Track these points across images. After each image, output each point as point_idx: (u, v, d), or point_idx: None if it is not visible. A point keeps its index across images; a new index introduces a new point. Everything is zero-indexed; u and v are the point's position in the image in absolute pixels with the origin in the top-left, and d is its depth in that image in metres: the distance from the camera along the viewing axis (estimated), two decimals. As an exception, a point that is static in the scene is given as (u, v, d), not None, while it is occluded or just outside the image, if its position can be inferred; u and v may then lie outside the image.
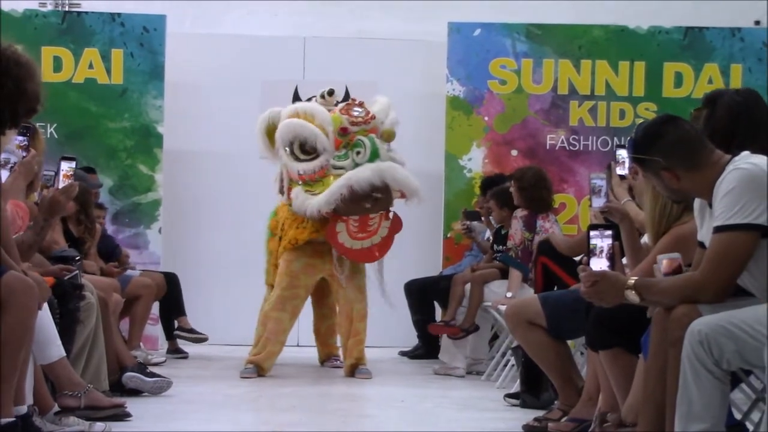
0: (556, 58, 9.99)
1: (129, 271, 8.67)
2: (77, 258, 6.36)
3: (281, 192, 8.25)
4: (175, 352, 9.21)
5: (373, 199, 7.89)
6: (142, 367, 6.87)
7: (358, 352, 8.10)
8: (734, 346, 3.87)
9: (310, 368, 8.63)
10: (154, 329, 9.46)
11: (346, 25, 10.66)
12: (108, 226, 9.42)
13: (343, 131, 7.94)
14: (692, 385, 3.89)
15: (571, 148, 10.01)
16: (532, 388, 6.68)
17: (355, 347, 8.09)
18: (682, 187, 4.21)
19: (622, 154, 5.73)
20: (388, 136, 8.11)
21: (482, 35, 10.00)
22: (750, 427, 4.62)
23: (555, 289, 7.07)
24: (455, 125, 9.98)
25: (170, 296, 9.13)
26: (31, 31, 9.69)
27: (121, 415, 5.70)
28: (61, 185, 5.34)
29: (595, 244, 4.27)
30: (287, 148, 7.94)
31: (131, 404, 5.91)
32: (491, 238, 8.82)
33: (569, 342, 6.04)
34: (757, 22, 10.53)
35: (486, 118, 9.99)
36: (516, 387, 6.91)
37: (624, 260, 5.20)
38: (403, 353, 9.62)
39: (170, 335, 9.27)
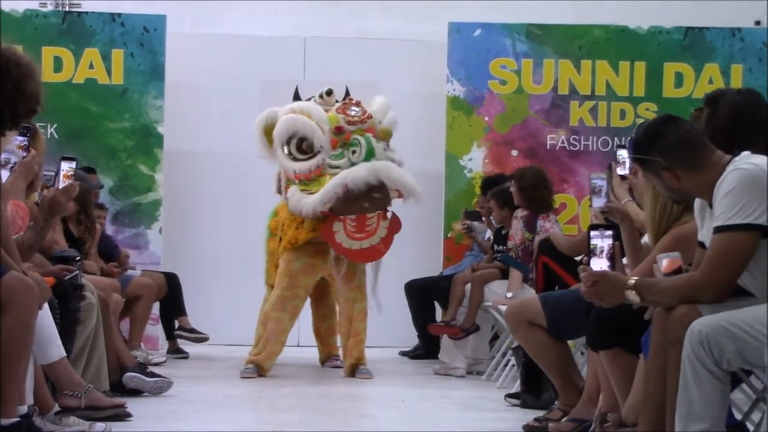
0: (557, 58, 9.99)
1: (129, 271, 8.67)
2: (78, 258, 6.36)
3: (279, 191, 8.25)
4: (175, 352, 9.21)
5: (371, 199, 7.88)
6: (142, 367, 6.87)
7: (358, 352, 8.09)
8: (734, 346, 3.87)
9: (310, 368, 8.63)
10: (155, 329, 9.46)
11: (346, 25, 10.66)
12: (108, 226, 9.42)
13: (338, 130, 7.94)
14: (692, 385, 3.89)
15: (571, 148, 10.01)
16: (533, 389, 6.68)
17: (356, 347, 8.09)
18: (682, 187, 4.21)
19: (623, 154, 5.73)
20: (385, 135, 8.11)
21: (482, 35, 10.00)
22: (750, 427, 4.62)
23: (556, 288, 7.07)
24: (455, 125, 9.98)
25: (171, 296, 9.13)
26: (31, 32, 9.70)
27: (122, 416, 5.70)
28: (61, 185, 5.35)
29: (596, 244, 4.27)
30: (284, 147, 7.94)
31: (132, 404, 5.91)
32: (492, 238, 8.82)
33: (570, 342, 6.04)
34: (758, 22, 10.53)
35: (486, 119, 9.99)
36: (516, 387, 6.91)
37: (624, 260, 5.20)
38: (403, 353, 9.62)
39: (171, 335, 9.27)
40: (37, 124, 6.03)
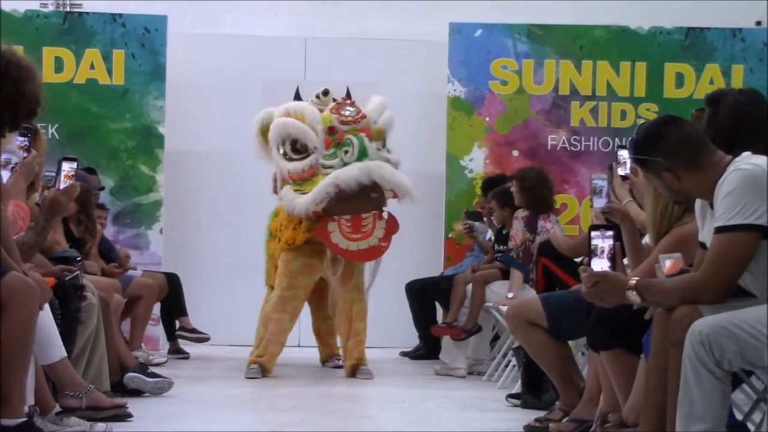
0: (558, 59, 9.99)
1: (130, 272, 8.67)
2: (78, 258, 6.37)
3: (275, 192, 8.25)
4: (176, 352, 9.21)
5: (366, 199, 7.88)
6: (143, 368, 6.87)
7: (358, 352, 8.09)
8: (735, 347, 3.87)
9: (311, 368, 8.63)
10: (156, 330, 9.46)
11: (347, 25, 10.66)
12: (109, 226, 9.43)
13: (330, 130, 7.95)
14: (693, 385, 3.89)
15: (572, 148, 10.01)
16: (534, 389, 6.67)
17: (356, 347, 8.09)
18: (683, 188, 4.21)
19: (624, 154, 5.73)
20: (379, 135, 8.10)
21: (483, 36, 10.00)
22: (751, 427, 4.62)
23: (556, 290, 7.06)
24: (456, 126, 9.98)
25: (171, 296, 9.13)
26: (32, 32, 9.70)
27: (123, 416, 5.70)
28: (62, 186, 5.35)
29: (597, 245, 4.28)
30: (279, 148, 7.95)
31: (132, 405, 5.91)
32: (492, 238, 8.82)
33: (570, 342, 6.04)
34: (758, 23, 10.53)
35: (487, 119, 9.99)
36: (517, 387, 6.91)
37: (625, 261, 5.20)
38: (404, 354, 9.62)
39: (171, 336, 9.27)
40: (38, 125, 6.02)
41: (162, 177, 9.83)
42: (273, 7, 10.76)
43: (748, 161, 4.08)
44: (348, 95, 8.36)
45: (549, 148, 9.99)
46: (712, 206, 4.13)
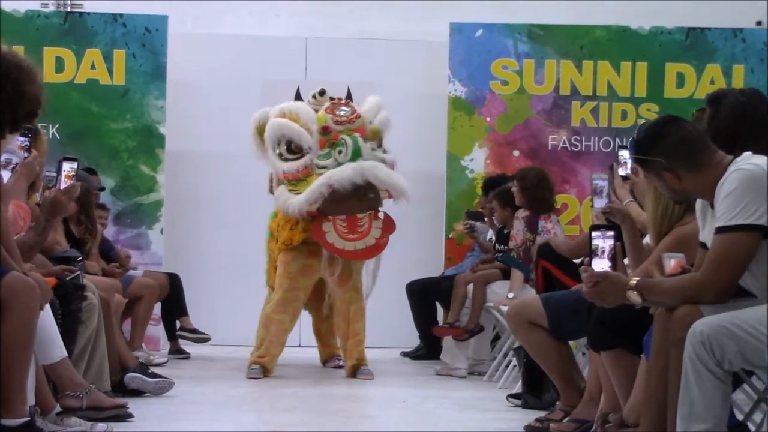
0: (558, 59, 9.99)
1: (131, 272, 8.67)
2: (79, 258, 6.36)
3: (271, 192, 8.25)
4: (176, 352, 9.21)
5: (362, 199, 7.88)
6: (144, 368, 6.87)
7: (358, 352, 8.09)
8: (736, 347, 3.87)
9: (311, 369, 8.63)
10: (156, 330, 9.46)
11: (347, 25, 10.66)
12: (110, 226, 9.43)
13: (324, 130, 7.95)
14: (694, 385, 3.89)
15: (572, 148, 10.01)
16: (534, 389, 6.67)
17: (355, 348, 8.08)
18: (684, 188, 4.21)
19: (624, 154, 5.73)
20: (374, 135, 8.10)
21: (484, 36, 10.00)
22: (752, 427, 4.62)
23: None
24: (457, 126, 9.98)
25: (172, 297, 9.13)
26: (33, 32, 9.71)
27: (123, 416, 5.70)
28: (62, 186, 5.35)
29: (597, 245, 4.28)
30: (275, 148, 7.96)
31: (133, 405, 5.91)
32: (493, 238, 8.82)
33: (571, 342, 6.04)
34: (759, 23, 10.53)
35: (488, 119, 9.99)
36: (518, 387, 6.91)
37: (626, 261, 5.20)
38: (404, 354, 9.61)
39: (172, 336, 9.27)
40: (39, 125, 6.03)
41: (163, 177, 9.83)
42: (274, 7, 10.76)
43: (748, 161, 4.08)
44: (348, 95, 8.36)
45: (550, 148, 9.99)
46: (712, 206, 4.13)
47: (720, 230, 4.02)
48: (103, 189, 9.10)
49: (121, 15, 9.85)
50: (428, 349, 9.35)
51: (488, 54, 9.98)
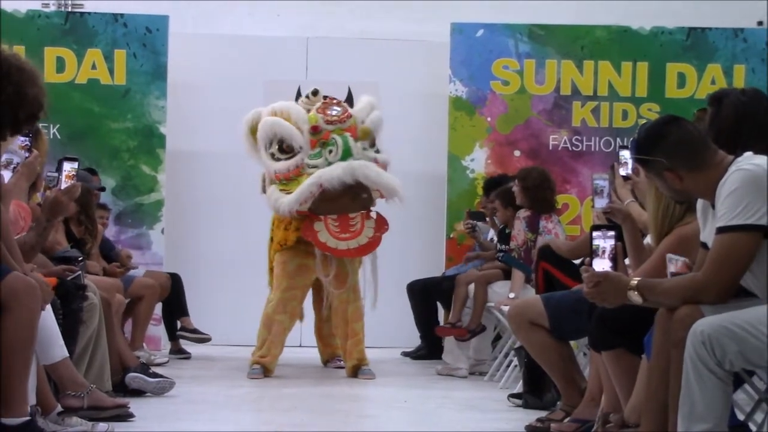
0: (559, 59, 9.99)
1: (132, 272, 8.67)
2: (80, 258, 6.36)
3: (264, 191, 8.25)
4: (177, 352, 9.21)
5: (354, 198, 7.88)
6: (144, 368, 6.87)
7: (358, 352, 8.09)
8: (737, 347, 3.87)
9: (312, 369, 8.63)
10: (157, 330, 9.46)
11: (348, 25, 10.66)
12: (111, 226, 9.42)
13: (314, 129, 7.96)
14: (695, 385, 3.89)
15: (573, 148, 10.00)
16: (535, 389, 6.67)
17: (355, 348, 8.08)
18: (684, 188, 4.21)
19: (625, 155, 5.73)
20: (365, 135, 8.09)
21: (485, 36, 9.99)
22: (753, 428, 4.62)
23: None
24: (458, 126, 9.98)
25: (173, 297, 9.13)
26: (34, 32, 9.71)
27: (124, 416, 5.71)
28: (63, 186, 5.35)
29: (598, 245, 4.28)
30: (267, 148, 7.97)
31: (134, 404, 5.91)
32: (495, 238, 8.82)
33: (572, 343, 6.04)
34: (760, 23, 10.53)
35: (489, 119, 9.99)
36: (519, 388, 6.91)
37: (627, 261, 5.19)
38: (405, 354, 9.61)
39: (173, 336, 9.28)
40: (40, 125, 6.02)
41: (163, 177, 9.83)
42: (274, 8, 10.76)
43: (749, 161, 4.08)
44: (349, 95, 8.36)
45: (550, 148, 9.99)
46: (713, 206, 4.13)
47: (721, 230, 4.02)
48: (103, 189, 9.09)
49: (122, 15, 9.85)
50: (429, 349, 9.35)
51: (489, 54, 9.98)
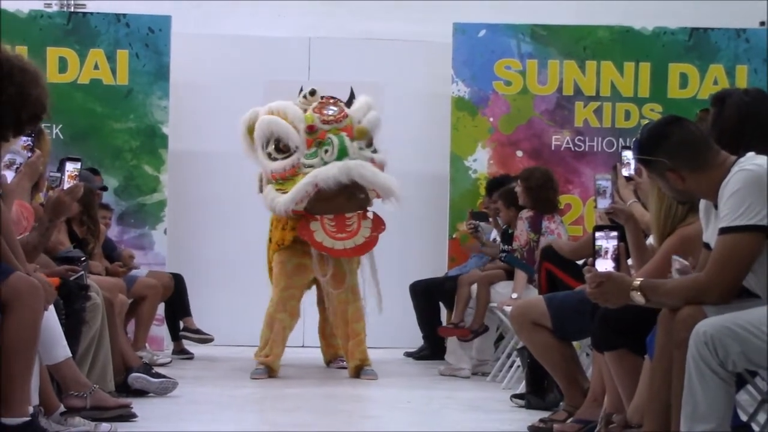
0: (561, 59, 9.98)
1: (135, 272, 8.67)
2: (83, 259, 6.37)
3: (261, 191, 8.26)
4: (180, 352, 9.21)
5: (349, 198, 7.88)
6: (147, 368, 6.87)
7: (360, 353, 8.08)
8: (739, 348, 3.87)
9: (315, 369, 8.63)
10: (160, 330, 9.47)
11: (351, 25, 10.66)
12: (113, 226, 9.43)
13: (310, 129, 7.96)
14: (697, 386, 3.89)
15: (576, 149, 10.00)
16: (538, 390, 6.67)
17: (357, 348, 8.08)
18: (687, 188, 4.21)
19: (628, 155, 5.73)
20: (360, 135, 8.08)
21: (487, 36, 10.00)
22: (756, 428, 4.62)
23: (559, 292, 7.06)
24: (460, 126, 9.98)
25: (176, 297, 9.14)
26: (36, 32, 9.71)
27: (127, 416, 5.71)
28: (66, 186, 5.35)
29: (601, 245, 4.28)
30: (264, 147, 7.97)
31: (137, 405, 5.91)
32: (498, 238, 8.82)
33: (575, 343, 6.04)
34: (762, 23, 10.52)
35: (491, 119, 9.99)
36: (522, 388, 6.91)
37: (629, 261, 5.19)
38: (408, 354, 9.61)
39: (176, 336, 9.28)
40: (43, 125, 6.02)
41: (166, 177, 9.84)
42: (277, 8, 10.76)
43: (752, 162, 4.07)
44: (352, 96, 8.36)
45: (553, 148, 9.99)
46: (716, 207, 4.13)
47: (723, 231, 4.02)
48: (105, 189, 9.09)
49: (124, 15, 9.85)
50: (432, 350, 9.35)
51: (491, 54, 9.98)
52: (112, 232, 9.30)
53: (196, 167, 10.28)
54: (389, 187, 7.96)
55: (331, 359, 8.74)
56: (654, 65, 9.97)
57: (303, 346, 9.65)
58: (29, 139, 5.34)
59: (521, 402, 6.76)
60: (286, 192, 7.85)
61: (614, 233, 4.31)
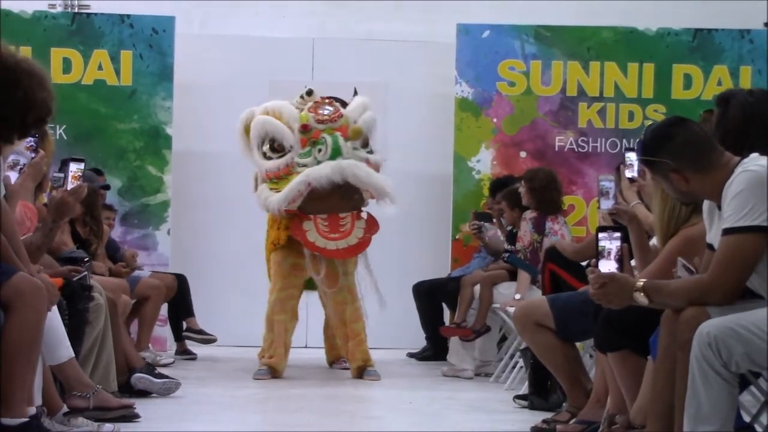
0: (565, 60, 9.98)
1: (138, 272, 8.67)
2: (86, 259, 6.37)
3: (256, 190, 8.26)
4: (183, 353, 9.22)
5: (343, 198, 7.88)
6: (150, 368, 6.87)
7: (361, 353, 8.08)
8: (743, 348, 3.87)
9: (317, 369, 8.63)
10: (163, 330, 9.47)
11: (354, 26, 10.66)
12: (117, 227, 9.44)
13: (304, 128, 7.96)
14: (701, 387, 3.89)
15: (579, 149, 10.00)
16: (541, 390, 6.67)
17: (357, 348, 8.07)
18: (691, 189, 4.21)
19: (631, 156, 5.72)
20: (355, 135, 8.07)
21: (491, 37, 9.99)
22: (759, 429, 4.61)
23: (562, 293, 7.05)
24: (464, 127, 9.97)
25: (179, 297, 9.14)
26: (40, 33, 9.72)
27: (130, 416, 5.71)
28: (69, 187, 5.35)
29: (604, 246, 4.27)
30: (260, 147, 7.98)
31: (140, 405, 5.92)
32: (502, 239, 8.80)
33: (578, 344, 6.03)
34: (766, 24, 10.51)
35: (494, 120, 9.99)
36: (524, 389, 6.91)
37: (633, 262, 5.19)
38: (411, 355, 9.61)
39: (179, 336, 9.28)
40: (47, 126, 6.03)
41: (169, 178, 9.84)
42: (280, 8, 10.76)
43: (756, 162, 4.07)
44: (355, 96, 8.36)
45: (556, 149, 9.98)
46: (719, 208, 4.13)
47: (727, 232, 4.02)
48: (108, 187, 9.08)
49: (128, 16, 9.86)
50: (435, 351, 9.35)
51: (495, 55, 9.98)
52: (116, 232, 9.30)
53: (199, 168, 10.29)
54: (383, 188, 7.95)
55: (334, 360, 8.74)
56: (658, 66, 9.96)
57: (306, 347, 9.65)
58: (33, 139, 5.35)
59: (524, 403, 6.76)
60: (280, 191, 7.85)
61: (617, 234, 4.31)
